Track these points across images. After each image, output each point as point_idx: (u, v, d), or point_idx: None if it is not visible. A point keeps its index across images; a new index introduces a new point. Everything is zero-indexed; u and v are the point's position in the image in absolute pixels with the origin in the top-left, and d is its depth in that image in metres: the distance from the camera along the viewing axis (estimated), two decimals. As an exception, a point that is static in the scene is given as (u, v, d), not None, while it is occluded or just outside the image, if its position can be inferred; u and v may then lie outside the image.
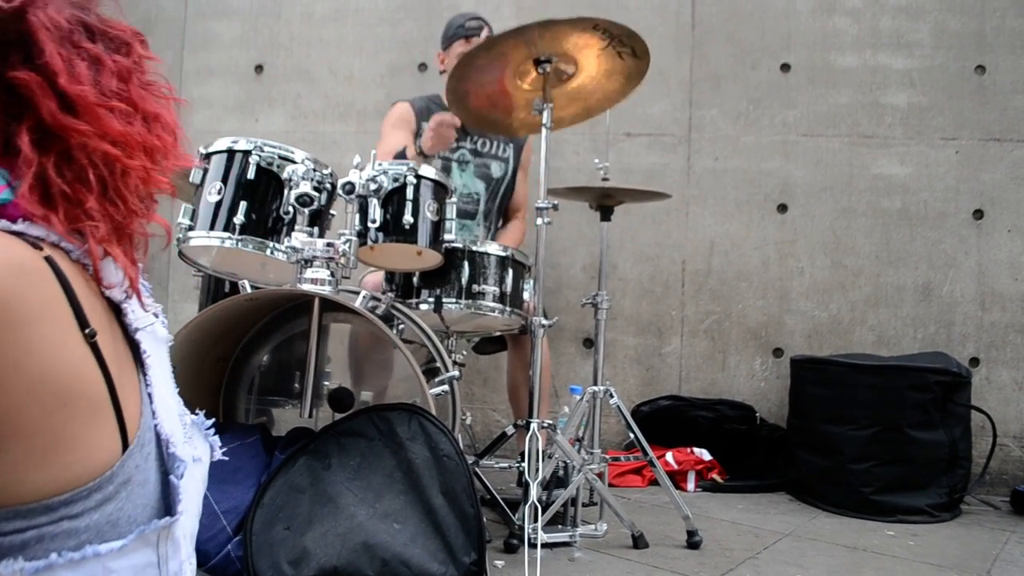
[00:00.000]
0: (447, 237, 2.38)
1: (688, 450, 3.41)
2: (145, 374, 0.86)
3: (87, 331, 0.76)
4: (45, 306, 0.73)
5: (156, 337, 0.90)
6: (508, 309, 2.49)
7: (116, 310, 0.84)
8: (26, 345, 0.70)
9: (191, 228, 2.17)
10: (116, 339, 0.82)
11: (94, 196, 0.80)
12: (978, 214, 3.61)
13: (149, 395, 0.85)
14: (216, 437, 1.02)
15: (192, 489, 0.90)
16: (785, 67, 3.77)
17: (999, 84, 3.63)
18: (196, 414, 0.99)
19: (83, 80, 0.79)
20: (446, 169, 3.05)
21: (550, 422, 2.43)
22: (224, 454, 2.00)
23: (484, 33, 3.02)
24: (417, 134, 3.14)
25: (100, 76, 0.81)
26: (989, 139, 3.62)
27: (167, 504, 0.85)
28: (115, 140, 0.81)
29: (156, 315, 0.92)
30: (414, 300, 2.48)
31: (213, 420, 1.02)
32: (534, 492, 2.16)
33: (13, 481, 0.71)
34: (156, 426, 0.84)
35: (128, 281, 0.84)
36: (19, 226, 0.76)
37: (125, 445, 0.79)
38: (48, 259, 0.74)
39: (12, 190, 0.77)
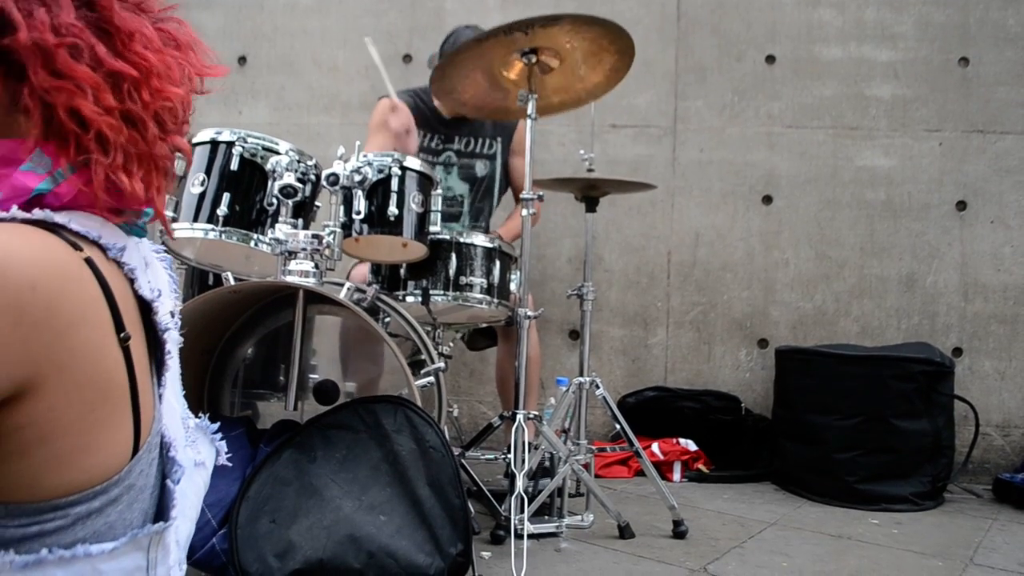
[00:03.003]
0: (432, 229, 2.37)
1: (674, 441, 3.42)
2: (161, 375, 0.85)
3: (122, 335, 0.75)
4: (87, 309, 0.72)
5: (173, 339, 0.89)
6: (495, 301, 2.49)
7: (144, 308, 0.83)
8: (71, 348, 0.70)
9: (174, 220, 2.15)
10: (141, 340, 0.82)
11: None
12: (961, 205, 3.63)
13: (159, 397, 0.84)
14: (223, 442, 1.01)
15: (191, 494, 0.89)
16: (770, 59, 3.78)
17: (982, 76, 3.65)
18: (200, 417, 0.98)
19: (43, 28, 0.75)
20: None
21: (536, 413, 2.43)
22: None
23: None
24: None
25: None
26: (972, 131, 3.64)
27: (161, 508, 0.84)
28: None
29: (173, 314, 0.91)
30: (401, 292, 2.48)
31: (219, 424, 1.00)
32: (520, 483, 2.16)
33: (33, 481, 0.71)
34: (162, 429, 0.83)
35: (155, 213, 0.85)
36: (61, 217, 0.75)
37: (135, 449, 0.78)
38: (88, 260, 0.74)
39: (53, 179, 0.76)
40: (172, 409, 0.87)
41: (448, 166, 3.14)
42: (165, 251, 0.96)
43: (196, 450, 0.92)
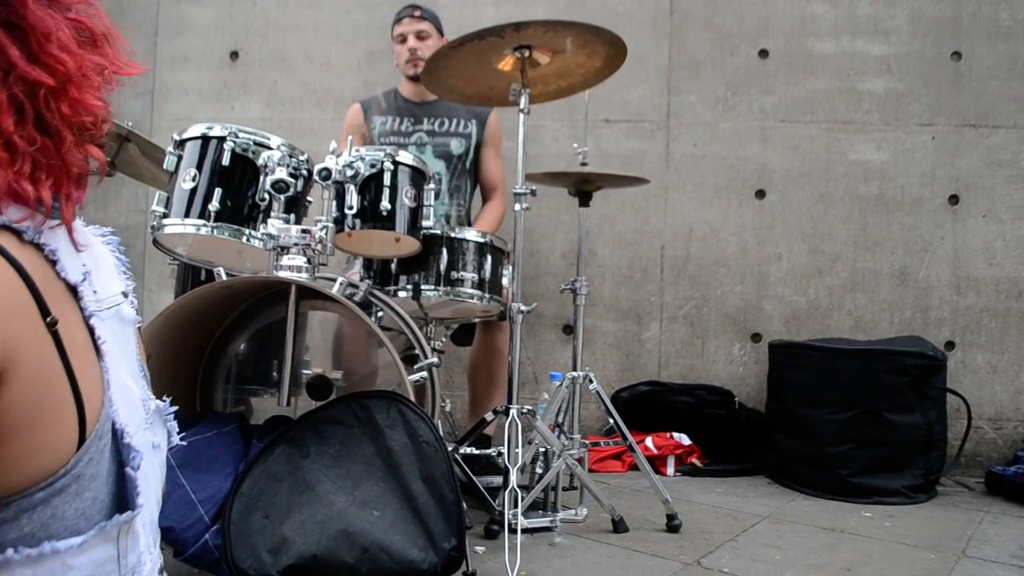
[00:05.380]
0: (425, 223, 2.36)
1: (668, 435, 3.43)
2: (101, 360, 0.80)
3: (48, 320, 0.71)
4: (11, 298, 0.69)
5: (121, 318, 0.85)
6: (487, 295, 2.49)
7: (72, 291, 0.79)
8: (13, 342, 0.67)
9: (165, 216, 2.15)
10: (75, 324, 0.77)
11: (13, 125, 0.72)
12: (954, 199, 3.64)
13: (107, 382, 0.80)
14: (175, 422, 0.98)
15: (151, 478, 0.86)
16: (763, 53, 3.78)
17: (975, 70, 3.65)
18: (163, 400, 0.95)
19: None
20: None
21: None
22: (201, 443, 1.99)
23: (417, 13, 3.14)
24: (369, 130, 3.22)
25: None
26: (965, 125, 3.65)
27: (122, 496, 0.81)
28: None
29: (125, 294, 0.87)
30: (392, 287, 2.47)
31: (176, 408, 0.98)
32: (514, 478, 2.16)
33: None
34: (112, 415, 0.80)
35: (64, 222, 0.78)
36: None
37: (82, 438, 0.75)
38: (0, 249, 0.69)
39: None
40: (127, 391, 0.84)
41: (420, 145, 3.16)
42: (111, 233, 0.93)
43: (152, 432, 0.89)
